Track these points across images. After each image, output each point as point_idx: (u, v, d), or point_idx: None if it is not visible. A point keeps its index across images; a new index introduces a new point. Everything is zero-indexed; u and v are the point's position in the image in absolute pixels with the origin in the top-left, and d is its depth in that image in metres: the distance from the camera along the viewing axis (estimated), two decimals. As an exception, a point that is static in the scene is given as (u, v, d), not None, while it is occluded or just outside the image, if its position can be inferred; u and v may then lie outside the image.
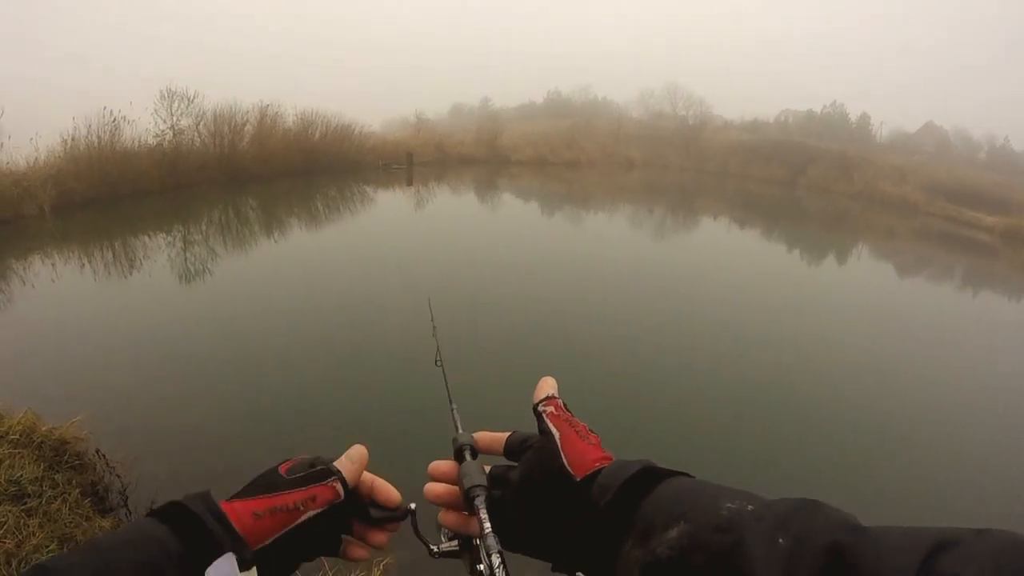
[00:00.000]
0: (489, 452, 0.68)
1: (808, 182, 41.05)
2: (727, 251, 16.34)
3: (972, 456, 5.73)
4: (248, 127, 18.21)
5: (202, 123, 16.74)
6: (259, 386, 5.56)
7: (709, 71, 75.06)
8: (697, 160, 44.07)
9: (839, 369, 7.74)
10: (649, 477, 0.51)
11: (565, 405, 0.65)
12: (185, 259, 10.09)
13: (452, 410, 0.85)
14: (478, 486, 0.61)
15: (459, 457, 0.67)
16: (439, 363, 1.09)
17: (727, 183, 38.56)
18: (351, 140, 22.22)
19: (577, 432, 0.59)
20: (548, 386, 0.67)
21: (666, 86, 53.17)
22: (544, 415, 0.63)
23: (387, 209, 16.64)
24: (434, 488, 0.65)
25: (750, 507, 0.44)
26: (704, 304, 9.82)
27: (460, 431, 0.73)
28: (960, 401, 7.22)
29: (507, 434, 0.68)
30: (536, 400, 0.65)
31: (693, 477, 0.52)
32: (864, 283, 14.77)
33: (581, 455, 0.56)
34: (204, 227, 12.78)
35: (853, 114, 56.25)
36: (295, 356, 6.31)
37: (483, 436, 0.69)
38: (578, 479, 0.54)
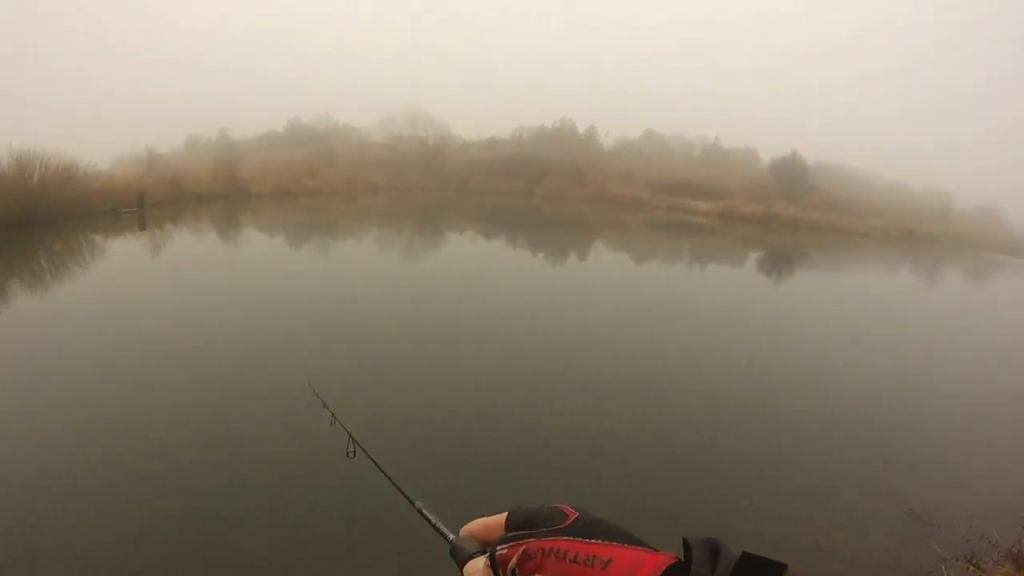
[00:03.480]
0: (490, 544, 0.54)
1: (545, 191, 47.01)
2: (475, 260, 18.76)
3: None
4: (-48, 172, 15.86)
5: None
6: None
7: (447, 94, 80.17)
8: (439, 179, 47.73)
9: (594, 354, 9.17)
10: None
11: (526, 522, 0.54)
12: None
13: (420, 511, 0.75)
14: None
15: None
16: (351, 454, 1.14)
17: (469, 199, 42.09)
18: (75, 183, 20.57)
19: (575, 561, 0.47)
20: (481, 528, 0.59)
21: (406, 109, 56.54)
22: (521, 571, 0.49)
23: (120, 260, 15.93)
24: None
25: None
26: (448, 315, 11.14)
27: (451, 536, 0.63)
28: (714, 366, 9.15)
29: (504, 515, 0.57)
30: (498, 561, 0.51)
31: (787, 566, 0.42)
32: (606, 273, 17.71)
33: None
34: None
35: (581, 127, 61.71)
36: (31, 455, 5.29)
37: (477, 527, 0.60)
38: None
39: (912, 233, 38.91)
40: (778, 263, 24.38)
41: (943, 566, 4.23)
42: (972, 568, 4.19)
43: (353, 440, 1.25)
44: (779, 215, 38.90)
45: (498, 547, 0.52)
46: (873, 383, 9.26)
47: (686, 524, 4.70)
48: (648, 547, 0.48)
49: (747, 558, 0.43)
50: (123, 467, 5.15)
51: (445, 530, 0.67)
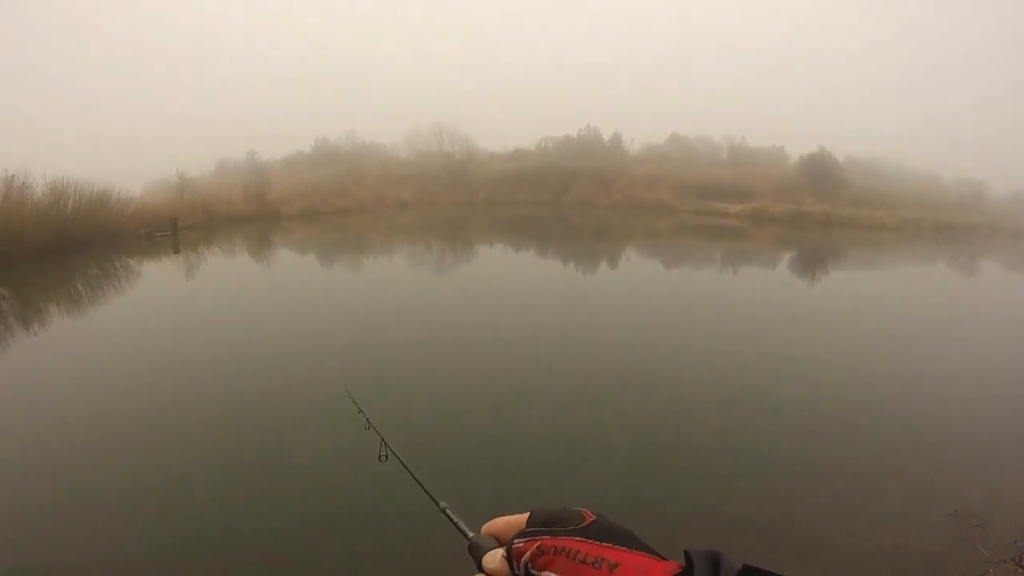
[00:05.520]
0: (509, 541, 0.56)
1: (572, 199, 46.74)
2: (505, 270, 18.64)
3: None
4: (-10, 202, 16.49)
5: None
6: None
7: (471, 108, 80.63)
8: (466, 193, 47.70)
9: (629, 360, 9.00)
10: None
11: (546, 521, 0.54)
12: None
13: (444, 511, 0.77)
14: None
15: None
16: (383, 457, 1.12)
17: (497, 211, 41.88)
18: (108, 209, 21.02)
19: (583, 562, 0.48)
20: (503, 526, 0.60)
21: (431, 125, 56.41)
22: (533, 565, 0.50)
23: (156, 282, 16.04)
24: None
25: None
26: (483, 323, 11.21)
27: (471, 533, 0.65)
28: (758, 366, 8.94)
29: (526, 515, 0.58)
30: (514, 554, 0.53)
31: None
32: (635, 279, 17.54)
33: None
34: (-45, 328, 11.88)
35: (606, 134, 60.22)
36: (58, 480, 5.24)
37: (499, 525, 0.61)
38: None
39: (947, 225, 37.42)
40: (813, 263, 23.34)
41: (991, 569, 4.10)
42: (1021, 571, 4.06)
43: (386, 444, 1.26)
44: (810, 213, 37.84)
45: (515, 540, 0.54)
46: (915, 381, 8.82)
47: (725, 525, 4.73)
48: (657, 555, 0.49)
49: (747, 570, 0.43)
50: (167, 473, 5.36)
51: (465, 528, 0.69)
